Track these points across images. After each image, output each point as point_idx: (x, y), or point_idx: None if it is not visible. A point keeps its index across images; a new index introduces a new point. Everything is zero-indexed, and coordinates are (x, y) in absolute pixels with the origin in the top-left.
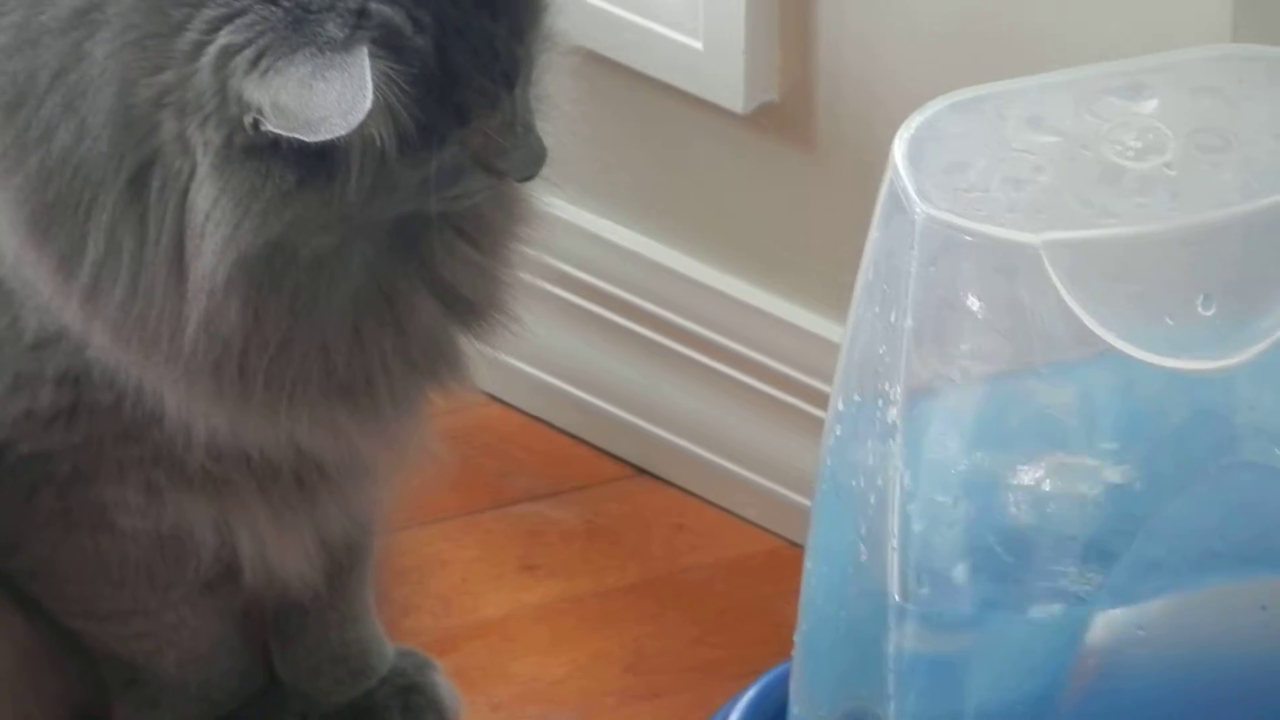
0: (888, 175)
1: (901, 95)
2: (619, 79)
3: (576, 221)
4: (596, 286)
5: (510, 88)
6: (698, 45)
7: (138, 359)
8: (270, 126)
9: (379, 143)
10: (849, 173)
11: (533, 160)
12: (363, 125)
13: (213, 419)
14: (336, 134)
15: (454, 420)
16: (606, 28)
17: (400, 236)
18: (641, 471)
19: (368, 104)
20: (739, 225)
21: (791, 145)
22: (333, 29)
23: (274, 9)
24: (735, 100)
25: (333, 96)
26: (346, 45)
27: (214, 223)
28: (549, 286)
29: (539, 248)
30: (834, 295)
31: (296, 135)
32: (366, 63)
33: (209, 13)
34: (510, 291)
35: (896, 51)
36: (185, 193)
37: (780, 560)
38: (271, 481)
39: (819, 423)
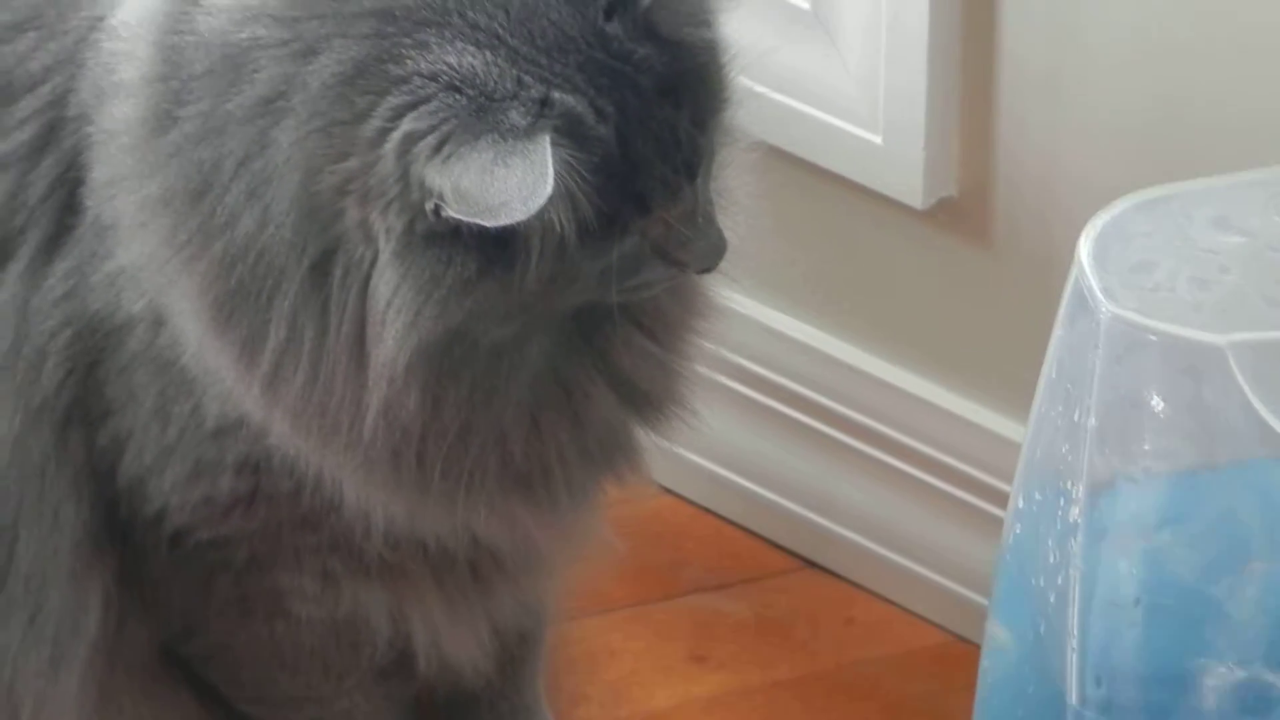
0: (1073, 274)
1: (1081, 192)
2: (797, 172)
3: (753, 315)
4: (771, 380)
5: (692, 178)
6: (877, 140)
7: (317, 446)
8: (451, 213)
9: (560, 230)
10: (1027, 269)
11: (713, 252)
12: (543, 212)
13: (391, 507)
14: (516, 220)
15: (625, 511)
16: (786, 122)
17: (579, 328)
18: (811, 564)
19: (548, 190)
20: (915, 320)
21: (969, 241)
22: (515, 117)
23: (458, 97)
24: (914, 196)
25: (513, 182)
26: (529, 133)
27: (395, 310)
28: (723, 380)
29: (716, 341)
30: (1007, 391)
31: (477, 221)
32: (549, 150)
33: (393, 100)
34: (686, 384)
35: (1076, 148)
36: (367, 280)
37: (949, 655)
38: (447, 571)
39: (989, 518)
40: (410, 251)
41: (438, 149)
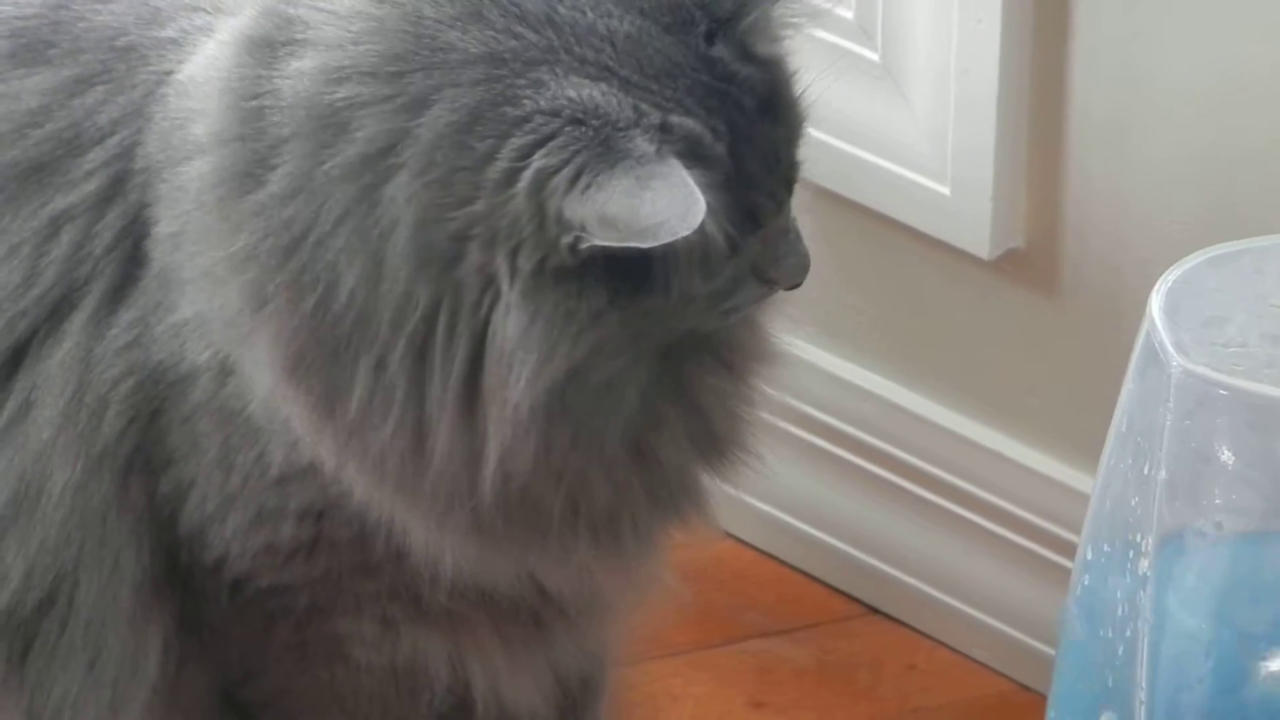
0: (1144, 328)
1: (1148, 243)
2: (865, 222)
3: (819, 363)
4: (835, 427)
5: (790, 192)
6: (945, 190)
7: (395, 495)
8: (596, 241)
9: (696, 249)
10: (1093, 320)
11: (801, 267)
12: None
13: (462, 553)
14: (676, 238)
15: (686, 555)
16: (855, 172)
17: (666, 367)
18: (874, 610)
19: (703, 206)
20: (979, 369)
21: (1036, 291)
22: (642, 143)
23: (583, 129)
24: (980, 246)
25: (662, 203)
26: (659, 157)
27: (526, 349)
28: (788, 426)
29: (780, 387)
30: (1072, 441)
31: (632, 244)
32: (683, 171)
33: (518, 140)
34: (752, 430)
35: (1144, 200)
36: (485, 325)
37: (1011, 704)
38: (508, 618)
39: (1053, 566)
40: (540, 290)
41: (574, 181)
